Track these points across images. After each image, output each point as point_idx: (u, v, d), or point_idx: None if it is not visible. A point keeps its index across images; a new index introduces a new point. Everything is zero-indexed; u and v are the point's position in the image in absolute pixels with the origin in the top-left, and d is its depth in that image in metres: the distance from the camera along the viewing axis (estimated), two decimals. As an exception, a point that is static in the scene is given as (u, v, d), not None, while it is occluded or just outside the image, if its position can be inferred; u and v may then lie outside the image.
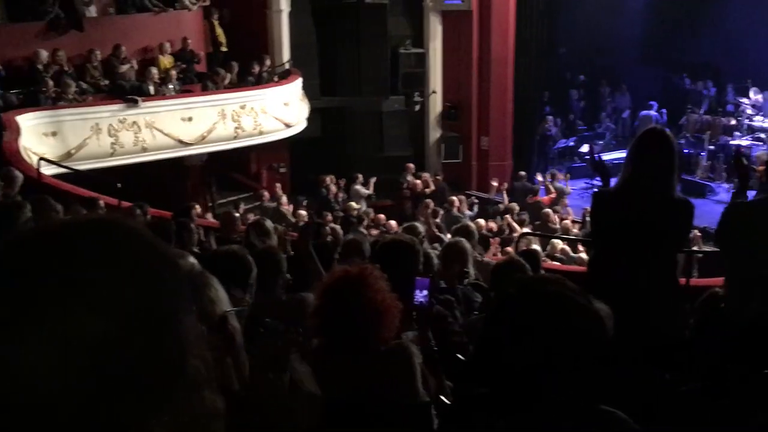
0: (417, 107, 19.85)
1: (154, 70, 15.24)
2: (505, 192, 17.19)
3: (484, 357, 2.86)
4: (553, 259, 11.57)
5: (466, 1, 19.20)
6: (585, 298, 1.79)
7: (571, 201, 16.89)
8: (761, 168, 12.12)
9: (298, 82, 17.49)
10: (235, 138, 15.96)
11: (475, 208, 16.57)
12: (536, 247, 10.88)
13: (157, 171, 14.89)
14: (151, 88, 15.02)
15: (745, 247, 4.08)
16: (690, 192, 14.66)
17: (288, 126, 16.86)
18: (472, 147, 20.09)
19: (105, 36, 15.36)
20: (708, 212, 11.62)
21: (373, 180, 17.36)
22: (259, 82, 16.82)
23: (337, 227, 11.42)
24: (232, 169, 17.85)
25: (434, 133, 20.29)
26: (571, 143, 21.16)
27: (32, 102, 13.62)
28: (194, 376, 0.99)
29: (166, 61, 15.92)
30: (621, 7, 21.53)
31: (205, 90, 15.91)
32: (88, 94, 14.54)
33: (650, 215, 4.05)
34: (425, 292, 3.49)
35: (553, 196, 16.78)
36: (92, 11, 15.65)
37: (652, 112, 20.63)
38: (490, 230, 13.43)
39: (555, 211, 15.36)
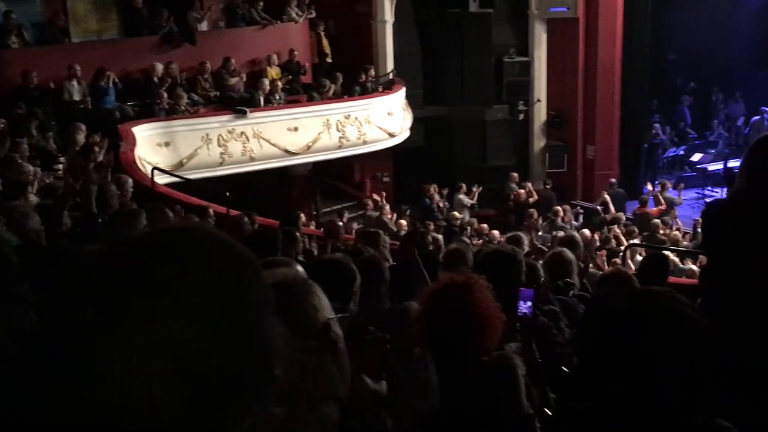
0: (521, 116, 19.66)
1: (266, 82, 15.59)
2: (609, 199, 16.80)
3: (591, 370, 2.80)
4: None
5: (572, 8, 18.91)
6: (697, 312, 1.72)
7: (681, 212, 16.37)
8: None
9: (402, 92, 17.59)
10: (339, 147, 16.16)
11: (581, 218, 16.27)
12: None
13: (264, 180, 15.21)
14: (261, 99, 15.38)
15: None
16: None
17: (391, 135, 16.96)
18: (577, 156, 19.76)
19: (215, 49, 15.83)
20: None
21: (479, 189, 17.27)
22: (364, 92, 16.99)
23: (439, 236, 11.39)
24: (336, 178, 18.07)
25: (538, 142, 20.04)
26: (681, 152, 20.54)
27: (147, 113, 14.16)
28: (286, 382, 0.99)
29: (273, 72, 16.28)
30: (734, 11, 20.79)
31: (310, 100, 16.17)
32: (198, 106, 15.01)
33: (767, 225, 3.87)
34: (529, 303, 3.44)
35: (662, 207, 16.30)
36: (203, 25, 16.16)
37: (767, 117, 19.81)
38: (595, 241, 13.14)
39: (664, 222, 14.92)
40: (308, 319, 1.66)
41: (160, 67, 14.79)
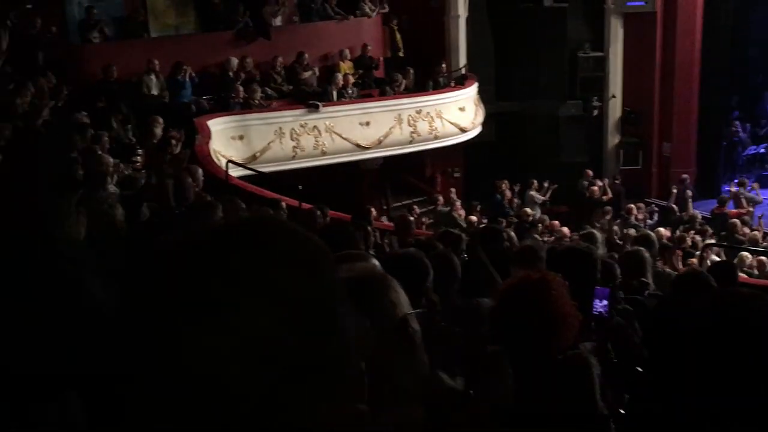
0: (595, 112, 19.37)
1: (340, 76, 15.70)
2: (690, 197, 16.44)
3: (666, 371, 2.75)
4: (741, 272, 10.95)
5: (649, 2, 18.52)
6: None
7: (762, 211, 15.89)
8: None
9: (474, 87, 17.50)
10: (410, 142, 16.17)
11: (655, 217, 15.96)
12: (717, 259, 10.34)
13: (335, 174, 15.31)
14: (334, 94, 15.48)
15: None
16: None
17: (463, 131, 16.89)
18: (653, 153, 19.38)
19: (289, 43, 15.99)
20: None
21: (552, 186, 17.08)
22: (436, 87, 16.96)
23: (512, 233, 11.31)
24: (406, 172, 18.08)
25: (613, 139, 19.71)
26: (762, 150, 19.96)
27: (222, 107, 14.38)
28: (366, 377, 1.00)
29: (345, 66, 16.36)
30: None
31: (382, 95, 16.21)
32: (272, 100, 15.18)
33: None
34: (605, 302, 3.39)
35: (743, 208, 15.84)
36: (278, 20, 16.33)
37: None
38: (670, 240, 12.87)
39: (744, 222, 14.52)
40: (386, 313, 1.66)
41: (235, 62, 15.02)
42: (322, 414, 0.94)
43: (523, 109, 19.12)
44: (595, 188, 16.96)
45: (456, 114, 16.70)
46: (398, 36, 17.77)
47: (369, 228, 7.45)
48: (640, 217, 15.34)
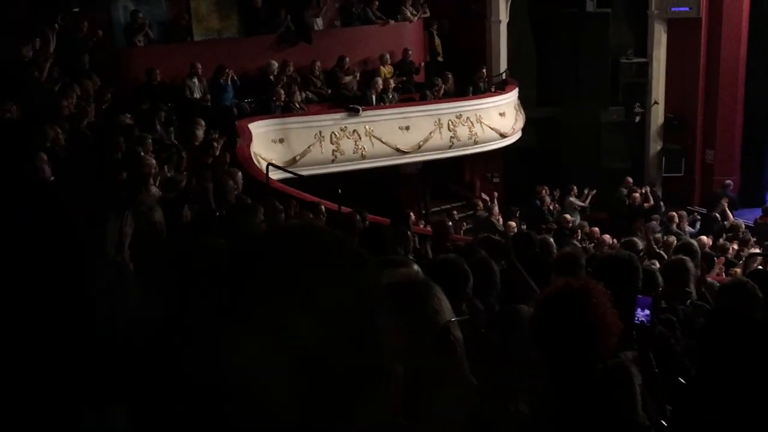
0: (637, 118, 19.15)
1: (379, 81, 15.72)
2: (726, 205, 16.19)
3: (712, 382, 2.71)
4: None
5: (694, 7, 18.28)
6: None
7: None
8: None
9: (515, 93, 17.42)
10: (450, 147, 16.13)
11: (698, 225, 15.75)
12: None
13: (374, 178, 15.34)
14: (374, 98, 15.51)
15: None
16: None
17: (503, 136, 16.82)
18: (696, 160, 19.10)
19: (330, 47, 16.05)
20: None
21: (592, 193, 16.93)
22: (476, 92, 16.91)
23: (551, 239, 11.22)
24: (446, 177, 18.05)
25: (655, 146, 19.47)
26: (808, 158, 19.59)
27: (263, 110, 14.48)
28: (405, 385, 1.00)
29: (386, 71, 16.38)
30: None
31: (423, 100, 16.21)
32: (312, 103, 15.26)
33: None
34: (647, 312, 3.36)
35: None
36: (319, 24, 16.41)
37: None
38: (714, 249, 12.68)
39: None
40: (428, 320, 1.66)
41: (275, 65, 15.12)
42: (360, 419, 0.94)
43: (564, 114, 18.97)
44: (637, 195, 16.77)
45: (496, 119, 16.64)
46: (437, 40, 17.75)
47: (408, 233, 7.44)
48: (682, 225, 15.14)
